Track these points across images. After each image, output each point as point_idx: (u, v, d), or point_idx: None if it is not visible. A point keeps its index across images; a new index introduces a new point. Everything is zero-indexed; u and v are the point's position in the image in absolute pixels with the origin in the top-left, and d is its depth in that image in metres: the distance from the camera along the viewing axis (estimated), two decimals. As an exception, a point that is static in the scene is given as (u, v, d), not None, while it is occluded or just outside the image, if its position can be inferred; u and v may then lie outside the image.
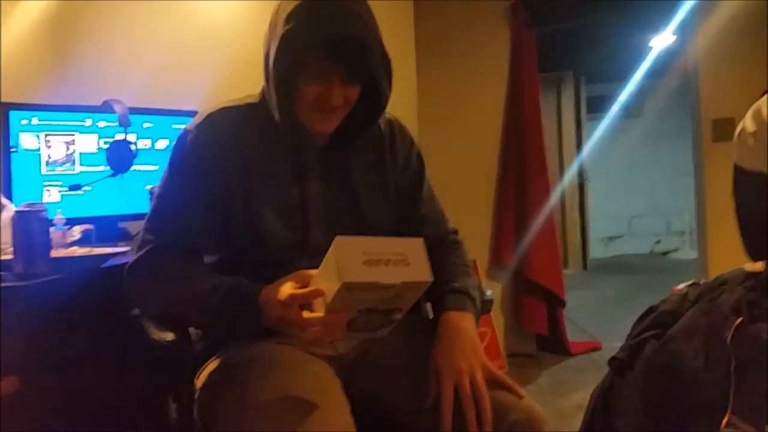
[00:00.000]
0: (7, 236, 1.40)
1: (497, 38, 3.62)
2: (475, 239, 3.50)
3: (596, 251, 7.36)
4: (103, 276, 1.44)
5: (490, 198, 3.64)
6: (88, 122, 1.95)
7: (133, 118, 1.92)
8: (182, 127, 1.18)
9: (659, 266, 6.96)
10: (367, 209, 1.21)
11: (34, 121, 1.84)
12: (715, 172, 3.38)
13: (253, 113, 1.18)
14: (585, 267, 6.66)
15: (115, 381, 1.46)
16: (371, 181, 1.23)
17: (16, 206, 1.43)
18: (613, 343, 1.71)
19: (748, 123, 1.84)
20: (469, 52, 3.62)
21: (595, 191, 7.02)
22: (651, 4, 3.65)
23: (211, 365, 1.12)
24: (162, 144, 2.11)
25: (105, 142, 1.95)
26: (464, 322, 1.15)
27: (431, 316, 1.25)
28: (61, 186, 1.88)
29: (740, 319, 1.32)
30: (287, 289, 0.96)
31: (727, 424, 1.21)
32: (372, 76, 1.11)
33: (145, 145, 2.06)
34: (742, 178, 1.81)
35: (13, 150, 1.79)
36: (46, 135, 1.86)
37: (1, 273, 1.30)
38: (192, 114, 1.26)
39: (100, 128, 1.97)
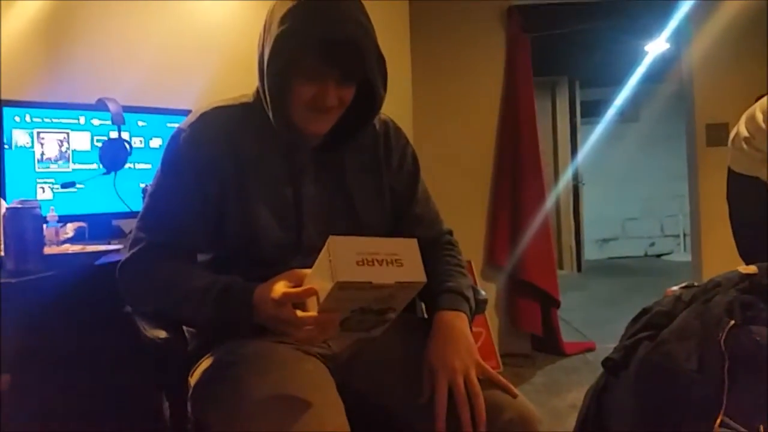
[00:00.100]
0: (-1, 233, 1.39)
1: (493, 41, 3.63)
2: (471, 240, 3.50)
3: (591, 253, 7.38)
4: (96, 274, 1.43)
5: (485, 199, 3.64)
6: (82, 120, 1.94)
7: (127, 116, 1.92)
8: (176, 125, 1.18)
9: (653, 268, 6.97)
10: (362, 209, 1.21)
11: (28, 118, 1.83)
12: (710, 176, 3.39)
13: (248, 113, 1.17)
14: (579, 269, 6.66)
15: (108, 378, 1.46)
16: (365, 182, 1.23)
17: (8, 203, 1.42)
18: (607, 344, 1.71)
19: (742, 128, 1.85)
20: (465, 54, 3.62)
21: (590, 195, 7.03)
22: (646, 10, 3.66)
23: (205, 363, 1.11)
24: (156, 142, 2.10)
25: (98, 140, 1.95)
26: (458, 321, 1.14)
27: (425, 315, 1.24)
28: (54, 183, 1.88)
29: (733, 321, 1.33)
30: (281, 287, 0.96)
31: (721, 425, 1.22)
32: (367, 77, 1.11)
33: (139, 144, 2.06)
34: (735, 182, 1.82)
35: (6, 147, 1.78)
36: (40, 132, 1.85)
37: (-6, 270, 1.30)
38: (186, 113, 1.25)
39: (94, 126, 1.96)
